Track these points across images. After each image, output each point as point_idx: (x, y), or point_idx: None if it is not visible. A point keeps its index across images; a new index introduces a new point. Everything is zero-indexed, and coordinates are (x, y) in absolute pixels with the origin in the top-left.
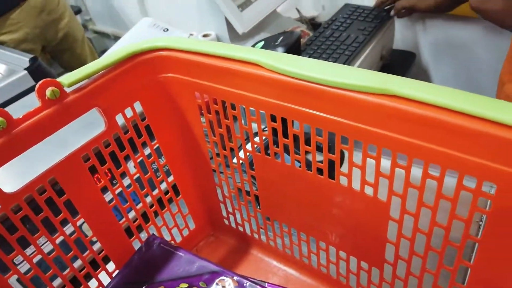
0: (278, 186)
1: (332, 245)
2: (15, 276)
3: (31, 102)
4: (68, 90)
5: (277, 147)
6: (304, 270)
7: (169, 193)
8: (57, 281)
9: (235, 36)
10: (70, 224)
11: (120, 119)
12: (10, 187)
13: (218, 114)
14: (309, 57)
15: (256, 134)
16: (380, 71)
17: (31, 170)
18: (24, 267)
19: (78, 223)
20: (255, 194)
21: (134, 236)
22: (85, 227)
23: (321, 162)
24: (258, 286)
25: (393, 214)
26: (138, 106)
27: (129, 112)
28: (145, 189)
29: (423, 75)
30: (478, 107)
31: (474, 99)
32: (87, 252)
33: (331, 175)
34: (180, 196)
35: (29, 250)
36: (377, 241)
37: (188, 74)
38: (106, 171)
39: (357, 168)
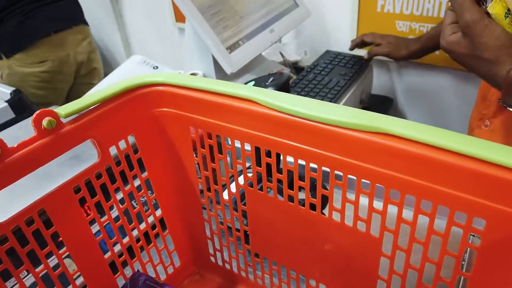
0: (269, 221)
1: (322, 283)
2: None
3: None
4: (64, 120)
5: (270, 182)
6: None
7: (156, 228)
8: None
9: (222, 76)
10: (54, 257)
11: (112, 150)
12: None
13: (211, 148)
14: None
15: (249, 168)
16: None
17: (14, 200)
18: None
19: (63, 257)
20: (244, 230)
21: (119, 272)
22: (68, 261)
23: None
24: None
25: (385, 250)
26: (131, 138)
27: (122, 144)
28: (133, 223)
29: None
30: (467, 147)
31: (463, 139)
32: (70, 287)
33: (325, 211)
34: (167, 231)
35: (9, 284)
36: (368, 278)
37: (184, 109)
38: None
39: (350, 203)
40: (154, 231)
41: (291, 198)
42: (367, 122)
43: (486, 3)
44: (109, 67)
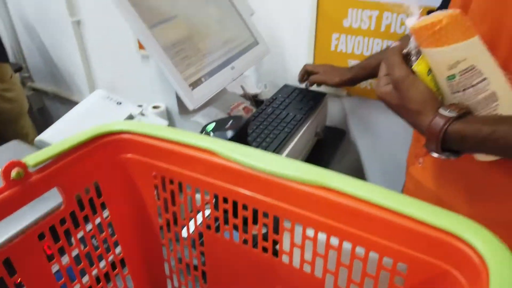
0: (226, 262)
1: None
2: None
3: None
4: (32, 170)
5: (227, 225)
6: None
7: (117, 269)
8: None
9: (183, 110)
10: None
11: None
12: None
13: (172, 193)
14: (252, 132)
15: (209, 216)
16: (315, 146)
17: None
18: None
19: None
20: (202, 269)
21: None
22: None
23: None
24: None
25: None
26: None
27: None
28: (94, 265)
29: (352, 150)
30: (392, 203)
31: (389, 196)
32: None
33: (276, 254)
34: (127, 271)
35: None
36: None
37: (147, 155)
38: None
39: (298, 247)
40: (114, 271)
41: (245, 241)
42: (311, 177)
43: (411, 62)
44: (69, 91)
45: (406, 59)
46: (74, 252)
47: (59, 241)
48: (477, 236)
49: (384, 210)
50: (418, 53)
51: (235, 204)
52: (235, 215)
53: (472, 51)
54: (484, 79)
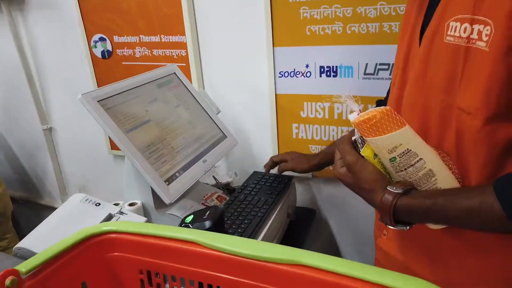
0: None
1: None
2: None
3: None
4: (24, 277)
5: None
6: None
7: None
8: None
9: (159, 204)
10: None
11: None
12: None
13: (158, 286)
14: (227, 219)
15: None
16: (288, 227)
17: None
18: None
19: None
20: None
21: None
22: None
23: None
24: None
25: None
26: None
27: None
28: None
29: (324, 227)
30: (361, 273)
31: (359, 267)
32: None
33: None
34: None
35: None
36: None
37: (133, 252)
38: None
39: None
40: None
41: None
42: (285, 256)
43: (359, 148)
44: (38, 196)
45: (355, 145)
46: None
47: None
48: None
49: (355, 280)
50: (363, 141)
51: None
52: None
53: (405, 138)
54: (420, 159)
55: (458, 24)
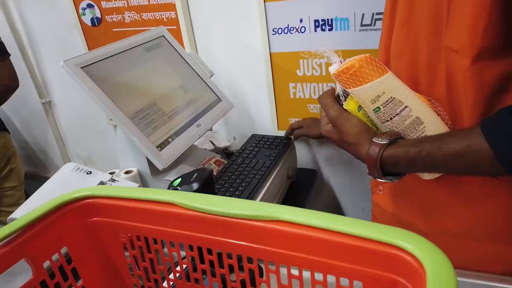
0: None
1: None
2: None
3: None
4: None
5: (197, 273)
6: None
7: None
8: None
9: (155, 171)
10: None
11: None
12: None
13: (141, 249)
14: (224, 183)
15: (177, 263)
16: (290, 188)
17: None
18: None
19: None
20: None
21: None
22: None
23: (235, 281)
24: None
25: None
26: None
27: (55, 257)
28: None
29: (326, 187)
30: (342, 226)
31: (335, 219)
32: None
33: None
34: None
35: None
36: None
37: (112, 216)
38: None
39: (263, 282)
40: None
41: (215, 285)
42: (264, 213)
43: (342, 102)
44: (44, 169)
45: (338, 100)
46: None
47: None
48: (415, 243)
49: (334, 234)
50: (346, 93)
51: (201, 250)
52: (202, 261)
53: (388, 85)
54: (406, 107)
55: None
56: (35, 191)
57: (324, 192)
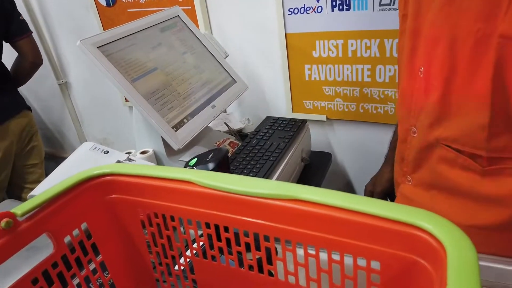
0: (218, 285)
1: None
2: None
3: None
4: (20, 219)
5: (213, 250)
6: None
7: None
8: None
9: (171, 152)
10: None
11: (67, 238)
12: None
13: (159, 226)
14: (239, 164)
15: (194, 241)
16: (303, 171)
17: None
18: None
19: None
20: None
21: None
22: None
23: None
24: None
25: None
26: (84, 224)
27: (75, 231)
28: None
29: (340, 170)
30: (360, 206)
31: (357, 200)
32: None
33: (261, 270)
34: None
35: None
36: None
37: (131, 194)
38: None
39: (280, 261)
40: None
41: (232, 262)
42: (282, 192)
43: None
44: (62, 149)
45: None
46: None
47: (53, 284)
48: (435, 223)
49: (352, 213)
50: None
51: (218, 228)
52: (219, 239)
53: None
54: None
55: None
56: (52, 170)
57: (338, 175)
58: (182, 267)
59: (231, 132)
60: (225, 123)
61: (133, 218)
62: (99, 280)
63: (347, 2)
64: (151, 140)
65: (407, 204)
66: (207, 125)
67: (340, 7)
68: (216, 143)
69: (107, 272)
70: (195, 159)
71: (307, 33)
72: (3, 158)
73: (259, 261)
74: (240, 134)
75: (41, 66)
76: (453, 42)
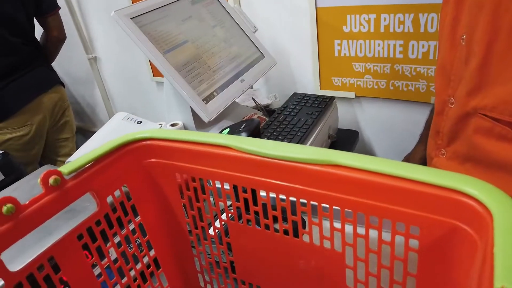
0: (251, 249)
1: None
2: None
3: None
4: (67, 177)
5: (249, 214)
6: None
7: (151, 267)
8: None
9: (200, 124)
10: None
11: (108, 199)
12: (12, 266)
13: (195, 190)
14: (267, 139)
15: (230, 205)
16: (330, 148)
17: (24, 250)
18: None
19: None
20: (230, 261)
21: None
22: None
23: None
24: None
25: (348, 263)
26: (124, 187)
27: (116, 193)
28: (130, 264)
29: (367, 149)
30: (400, 171)
31: (395, 165)
32: None
33: (296, 234)
34: (161, 269)
35: None
36: None
37: (169, 158)
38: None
39: (315, 225)
40: (149, 270)
41: (267, 227)
42: (320, 157)
43: None
44: (91, 124)
45: None
46: (111, 254)
47: (97, 241)
48: (480, 189)
49: (391, 178)
50: None
51: (254, 193)
52: (255, 203)
53: None
54: None
55: None
56: (83, 144)
57: (365, 154)
58: (217, 231)
59: (258, 107)
60: (252, 98)
61: (170, 182)
62: (137, 241)
63: None
64: (180, 112)
65: None
66: (235, 100)
67: None
68: (244, 117)
69: (144, 233)
70: (228, 129)
71: (338, 7)
72: (37, 132)
73: (294, 225)
74: (267, 110)
75: (72, 41)
76: (497, 8)
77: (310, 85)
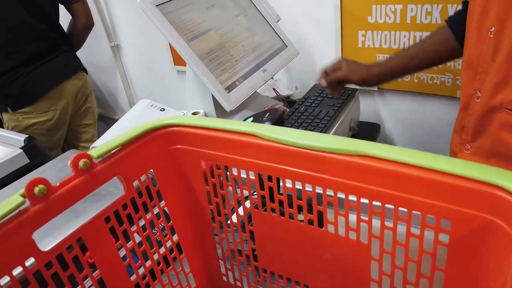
0: (274, 238)
1: None
2: None
3: None
4: (96, 161)
5: (273, 203)
6: None
7: (174, 252)
8: None
9: (221, 113)
10: (88, 279)
11: (135, 183)
12: (43, 245)
13: (220, 177)
14: None
15: (254, 193)
16: None
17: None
18: None
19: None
20: (252, 248)
21: None
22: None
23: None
24: None
25: (374, 255)
26: (150, 172)
27: (143, 178)
28: (154, 248)
29: (388, 143)
30: (430, 162)
31: (426, 157)
32: None
33: (321, 224)
34: (183, 255)
35: None
36: (362, 281)
37: (195, 145)
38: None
39: (342, 216)
40: (172, 255)
41: (291, 216)
42: (349, 147)
43: None
44: (112, 111)
45: None
46: (136, 236)
47: (123, 225)
48: None
49: (423, 170)
50: None
51: (278, 182)
52: (280, 192)
53: None
54: None
55: None
56: (104, 131)
57: None
58: (240, 218)
59: (279, 98)
60: (273, 88)
61: (195, 169)
62: (161, 225)
63: None
64: (202, 101)
65: None
66: (257, 89)
67: None
68: (265, 107)
69: (168, 218)
70: (251, 118)
71: None
72: (60, 117)
73: (319, 214)
74: (288, 100)
75: (95, 28)
76: None
77: None
